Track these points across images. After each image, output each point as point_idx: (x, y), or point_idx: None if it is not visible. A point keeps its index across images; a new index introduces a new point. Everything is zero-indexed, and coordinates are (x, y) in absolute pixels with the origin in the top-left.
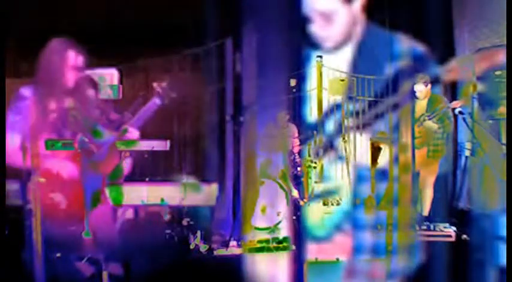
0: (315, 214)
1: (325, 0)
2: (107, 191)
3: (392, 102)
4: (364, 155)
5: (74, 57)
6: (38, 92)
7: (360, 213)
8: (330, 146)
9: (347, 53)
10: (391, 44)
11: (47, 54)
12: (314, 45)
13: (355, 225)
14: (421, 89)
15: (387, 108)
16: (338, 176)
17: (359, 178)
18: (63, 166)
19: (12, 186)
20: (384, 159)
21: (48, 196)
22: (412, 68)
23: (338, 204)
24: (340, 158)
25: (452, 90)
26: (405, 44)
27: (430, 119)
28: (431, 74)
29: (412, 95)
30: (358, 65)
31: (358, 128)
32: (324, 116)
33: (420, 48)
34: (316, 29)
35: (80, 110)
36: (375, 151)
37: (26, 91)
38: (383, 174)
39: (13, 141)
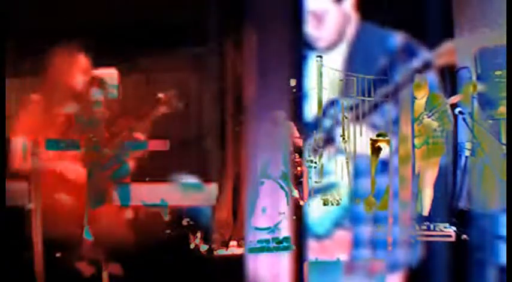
0: (315, 212)
1: (315, 0)
2: (114, 191)
3: (390, 94)
4: (363, 155)
5: (82, 61)
6: (46, 96)
7: (360, 212)
8: (329, 145)
9: (341, 52)
10: (386, 41)
11: (55, 57)
12: (308, 45)
13: (355, 224)
14: (419, 87)
15: (386, 103)
16: (338, 175)
17: (359, 178)
18: (70, 168)
19: (12, 186)
20: (384, 158)
21: (52, 197)
22: (408, 62)
23: (338, 204)
24: (340, 157)
25: (452, 85)
26: (400, 39)
27: (429, 117)
28: (424, 61)
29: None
30: (353, 63)
31: (358, 127)
32: (323, 115)
33: (414, 43)
34: (309, 29)
35: (86, 114)
36: (375, 151)
37: (35, 95)
38: (383, 174)
39: (19, 144)
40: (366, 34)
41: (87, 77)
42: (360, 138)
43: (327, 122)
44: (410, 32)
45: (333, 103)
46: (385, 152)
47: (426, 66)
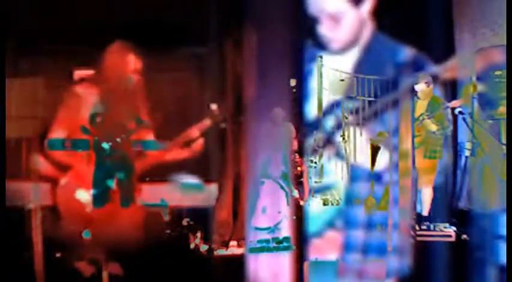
0: (315, 214)
1: (333, 2)
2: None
3: (391, 99)
4: (363, 155)
5: (133, 61)
6: (94, 91)
7: (360, 213)
8: (329, 145)
9: (352, 56)
10: (395, 53)
11: (109, 55)
12: (320, 45)
13: (354, 224)
14: (423, 88)
15: (387, 105)
16: (337, 175)
17: (358, 178)
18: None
19: (12, 186)
20: (383, 159)
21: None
22: (413, 74)
23: (338, 204)
24: (339, 157)
25: (453, 91)
26: (409, 53)
27: (429, 119)
28: (431, 74)
29: (413, 94)
30: (361, 70)
31: (358, 127)
32: (324, 116)
33: (423, 57)
34: (324, 30)
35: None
36: (374, 151)
37: (80, 89)
38: (382, 174)
39: (58, 135)
40: (377, 43)
41: (136, 77)
42: (359, 139)
43: (327, 122)
44: (410, 32)
45: (333, 103)
46: (385, 152)
47: (433, 79)
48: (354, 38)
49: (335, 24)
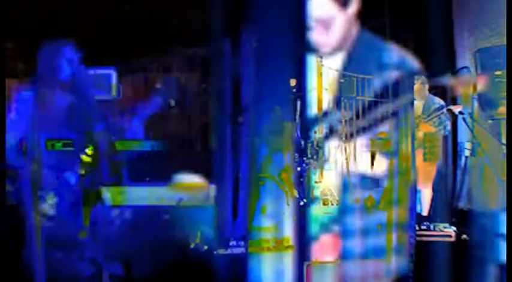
0: (315, 214)
1: (322, 7)
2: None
3: (391, 100)
4: (363, 155)
5: (69, 52)
6: (37, 89)
7: (359, 213)
8: (328, 145)
9: (340, 59)
10: (383, 54)
11: (44, 50)
12: (311, 50)
13: (354, 224)
14: (418, 89)
15: (386, 106)
16: (337, 175)
17: (358, 177)
18: None
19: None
20: (383, 159)
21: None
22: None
23: (338, 204)
24: (339, 156)
25: (453, 95)
26: (397, 54)
27: (426, 122)
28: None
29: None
30: (359, 69)
31: (357, 127)
32: (324, 116)
33: (411, 60)
34: (314, 35)
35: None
36: (374, 151)
37: (27, 94)
38: (382, 174)
39: (11, 140)
40: (364, 43)
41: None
42: (359, 139)
43: (327, 122)
44: (410, 32)
45: (333, 103)
46: (384, 154)
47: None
48: (343, 41)
49: (325, 28)
